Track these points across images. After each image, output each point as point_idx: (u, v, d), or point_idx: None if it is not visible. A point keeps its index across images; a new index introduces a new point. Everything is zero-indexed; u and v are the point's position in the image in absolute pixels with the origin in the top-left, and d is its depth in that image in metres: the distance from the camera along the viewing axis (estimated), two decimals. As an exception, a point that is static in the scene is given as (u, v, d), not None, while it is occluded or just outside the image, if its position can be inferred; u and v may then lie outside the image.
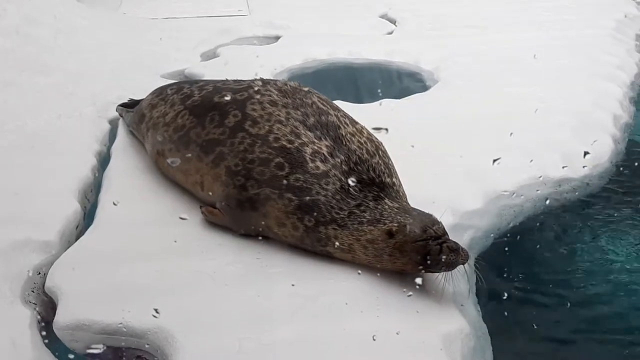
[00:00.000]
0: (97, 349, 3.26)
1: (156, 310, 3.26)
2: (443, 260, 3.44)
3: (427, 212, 3.73)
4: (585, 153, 4.99)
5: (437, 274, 3.57)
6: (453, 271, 3.53)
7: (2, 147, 5.16)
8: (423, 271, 3.54)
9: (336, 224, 3.70)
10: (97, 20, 9.07)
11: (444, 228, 3.62)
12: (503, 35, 8.62)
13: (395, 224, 3.58)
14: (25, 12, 7.88)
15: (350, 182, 3.76)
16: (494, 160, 4.31)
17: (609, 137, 5.57)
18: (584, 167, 4.99)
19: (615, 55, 7.80)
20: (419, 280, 3.53)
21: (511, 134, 5.09)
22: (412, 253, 3.51)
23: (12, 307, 3.50)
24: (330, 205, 3.72)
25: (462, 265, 3.54)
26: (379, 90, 6.69)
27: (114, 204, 4.27)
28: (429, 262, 3.47)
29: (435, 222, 3.62)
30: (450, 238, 3.60)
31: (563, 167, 4.93)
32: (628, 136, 5.95)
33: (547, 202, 4.73)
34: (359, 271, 3.66)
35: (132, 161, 5.05)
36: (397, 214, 3.66)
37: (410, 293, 3.52)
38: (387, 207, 3.71)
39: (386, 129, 4.57)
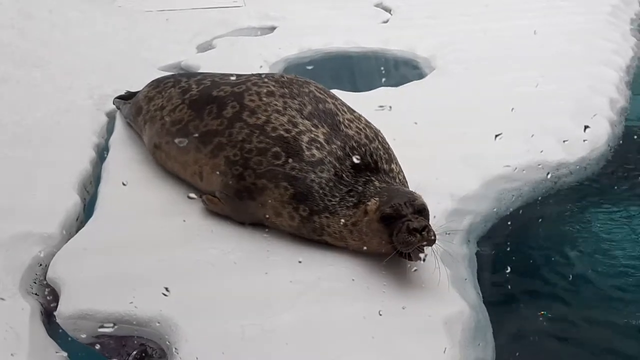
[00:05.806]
0: (109, 327, 3.28)
1: (167, 289, 3.29)
2: (405, 239, 3.33)
3: (413, 190, 3.69)
4: (586, 127, 5.05)
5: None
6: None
7: (0, 141, 5.15)
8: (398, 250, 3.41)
9: (328, 211, 3.71)
10: (92, 13, 9.05)
11: (421, 204, 3.51)
12: (498, 22, 8.64)
13: (369, 202, 3.59)
14: (21, 6, 7.89)
15: (354, 160, 3.74)
16: (496, 136, 4.32)
17: (606, 121, 5.59)
18: (584, 140, 5.02)
19: (611, 39, 7.84)
20: (421, 255, 3.44)
21: (512, 109, 5.12)
22: (381, 229, 3.48)
23: (14, 298, 3.51)
24: (324, 192, 3.73)
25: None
26: (377, 78, 6.70)
27: (124, 184, 4.32)
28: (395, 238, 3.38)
29: (412, 199, 3.53)
30: (430, 219, 3.50)
31: (561, 151, 4.96)
32: (624, 120, 5.97)
33: (545, 186, 4.76)
34: (358, 257, 3.67)
35: (130, 153, 5.06)
36: (379, 193, 3.63)
37: (416, 268, 3.52)
38: (372, 188, 3.70)
39: (389, 107, 4.56)
